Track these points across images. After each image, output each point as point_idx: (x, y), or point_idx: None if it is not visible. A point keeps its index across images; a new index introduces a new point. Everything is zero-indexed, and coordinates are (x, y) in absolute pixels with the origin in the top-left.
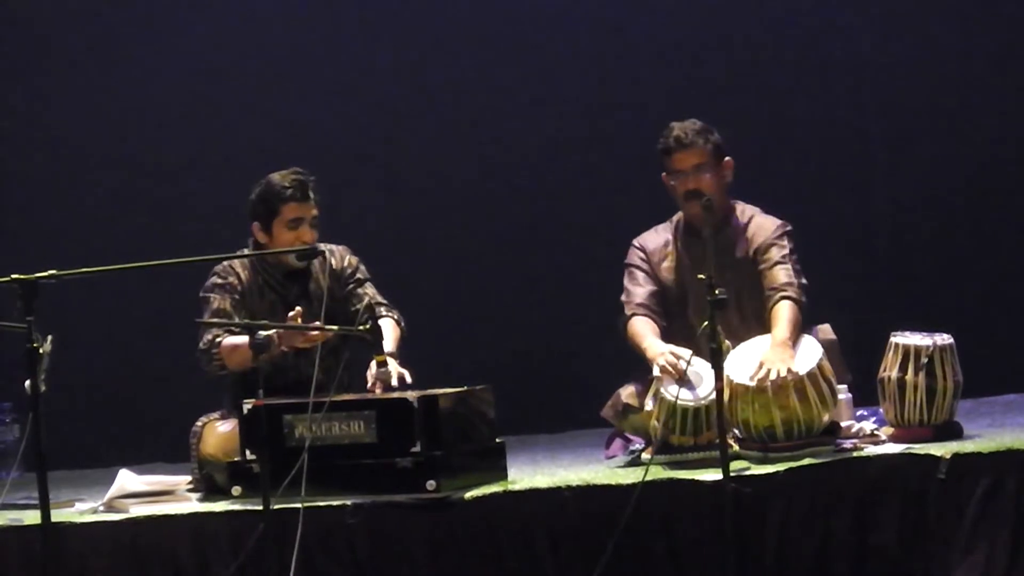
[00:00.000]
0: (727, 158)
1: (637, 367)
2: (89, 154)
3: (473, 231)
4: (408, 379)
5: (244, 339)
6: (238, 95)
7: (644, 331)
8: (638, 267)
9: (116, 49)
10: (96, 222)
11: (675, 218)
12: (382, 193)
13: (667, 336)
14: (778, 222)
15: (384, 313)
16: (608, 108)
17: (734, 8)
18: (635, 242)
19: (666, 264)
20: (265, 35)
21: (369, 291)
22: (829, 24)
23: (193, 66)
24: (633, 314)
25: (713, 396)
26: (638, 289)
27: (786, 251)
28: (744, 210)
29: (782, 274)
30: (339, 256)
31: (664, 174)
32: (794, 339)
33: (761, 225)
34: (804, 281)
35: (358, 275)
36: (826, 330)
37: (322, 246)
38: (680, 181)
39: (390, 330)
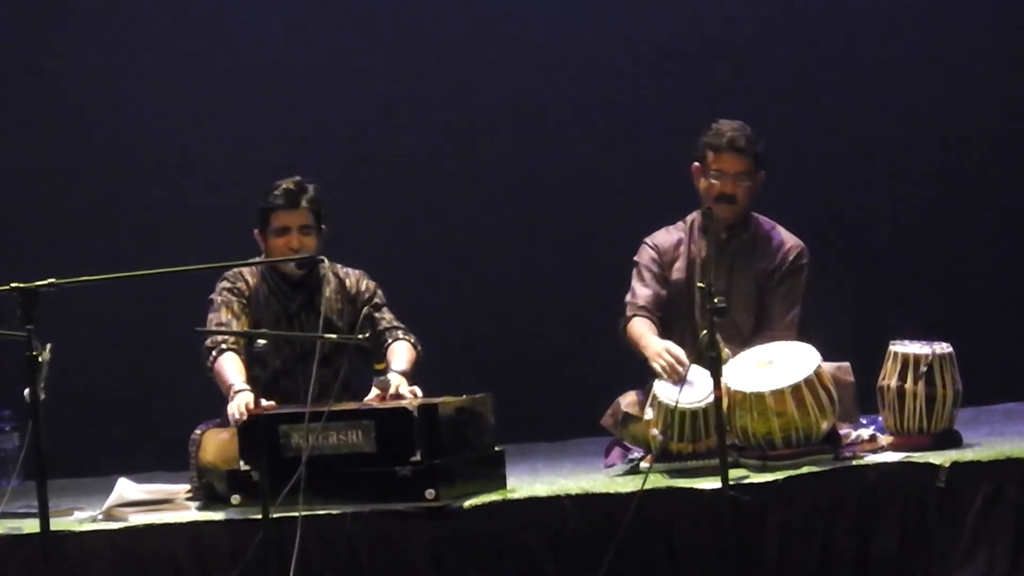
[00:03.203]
0: (762, 171)
1: (637, 375)
2: (89, 161)
3: (472, 237)
4: (419, 393)
5: (232, 376)
6: (239, 99)
7: (643, 330)
8: (647, 267)
9: (116, 51)
10: (96, 229)
11: (689, 218)
12: (381, 197)
13: (671, 337)
14: (800, 245)
15: (401, 336)
16: (609, 112)
17: (735, 9)
18: (647, 240)
19: (678, 264)
20: (265, 36)
21: (386, 316)
22: (830, 25)
23: (193, 68)
24: (634, 315)
25: (710, 399)
26: (644, 290)
27: (800, 286)
28: (763, 220)
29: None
30: (355, 279)
31: (696, 164)
32: None
33: (785, 244)
34: (800, 314)
35: (375, 300)
36: (846, 370)
37: (339, 267)
38: (720, 182)
39: (404, 352)
